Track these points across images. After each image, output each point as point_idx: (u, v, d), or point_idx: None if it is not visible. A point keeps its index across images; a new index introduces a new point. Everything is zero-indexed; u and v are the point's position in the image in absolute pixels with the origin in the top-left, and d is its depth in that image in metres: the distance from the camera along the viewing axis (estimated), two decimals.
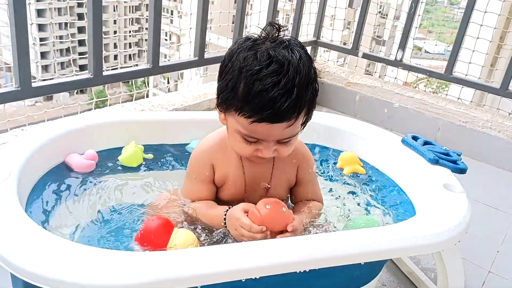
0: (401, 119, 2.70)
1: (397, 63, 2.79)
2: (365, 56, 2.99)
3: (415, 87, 3.50)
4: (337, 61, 3.43)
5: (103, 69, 1.78)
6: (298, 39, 1.07)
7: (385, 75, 3.19)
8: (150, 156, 1.39)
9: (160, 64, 1.98)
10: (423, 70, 2.74)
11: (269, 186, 1.16)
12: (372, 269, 1.20)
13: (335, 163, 1.52)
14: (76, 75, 1.78)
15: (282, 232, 1.01)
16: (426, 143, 1.49)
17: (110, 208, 1.20)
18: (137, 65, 1.95)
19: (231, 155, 1.13)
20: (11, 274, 0.85)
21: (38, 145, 1.21)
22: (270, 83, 0.92)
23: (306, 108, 1.00)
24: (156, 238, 0.98)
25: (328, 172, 1.50)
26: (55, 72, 2.10)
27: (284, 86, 0.92)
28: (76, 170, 1.25)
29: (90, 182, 1.27)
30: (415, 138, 1.52)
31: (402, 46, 2.73)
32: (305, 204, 1.20)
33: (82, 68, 1.92)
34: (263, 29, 1.01)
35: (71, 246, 0.87)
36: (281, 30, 1.01)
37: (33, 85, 1.56)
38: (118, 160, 1.33)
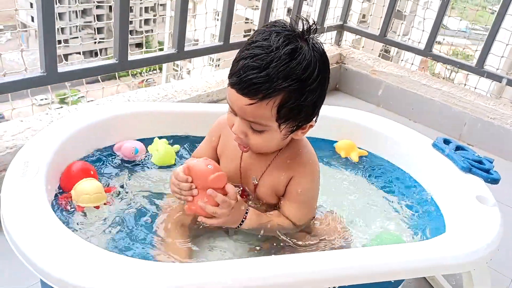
0: (426, 111, 2.64)
1: (426, 53, 2.70)
2: (392, 43, 2.90)
3: (433, 67, 3.38)
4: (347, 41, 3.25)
5: (128, 52, 1.75)
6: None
7: (407, 61, 3.09)
8: (177, 148, 1.39)
9: (185, 49, 1.94)
10: (454, 62, 2.65)
11: (256, 182, 1.15)
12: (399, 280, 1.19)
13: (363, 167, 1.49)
14: (98, 52, 1.75)
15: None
16: (458, 148, 1.45)
17: (145, 207, 1.16)
18: (162, 49, 1.92)
19: None
20: (41, 280, 0.85)
21: (66, 137, 1.18)
22: (250, 54, 0.95)
23: (280, 102, 0.95)
24: (69, 178, 1.12)
25: (352, 174, 1.47)
26: (70, 33, 2.08)
27: (258, 60, 0.93)
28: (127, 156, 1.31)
29: (126, 179, 1.24)
30: (446, 141, 1.48)
31: (433, 35, 2.64)
32: (271, 214, 1.14)
33: (98, 31, 1.89)
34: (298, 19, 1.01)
35: (103, 254, 0.86)
36: (311, 28, 0.98)
37: (59, 70, 1.54)
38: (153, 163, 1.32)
